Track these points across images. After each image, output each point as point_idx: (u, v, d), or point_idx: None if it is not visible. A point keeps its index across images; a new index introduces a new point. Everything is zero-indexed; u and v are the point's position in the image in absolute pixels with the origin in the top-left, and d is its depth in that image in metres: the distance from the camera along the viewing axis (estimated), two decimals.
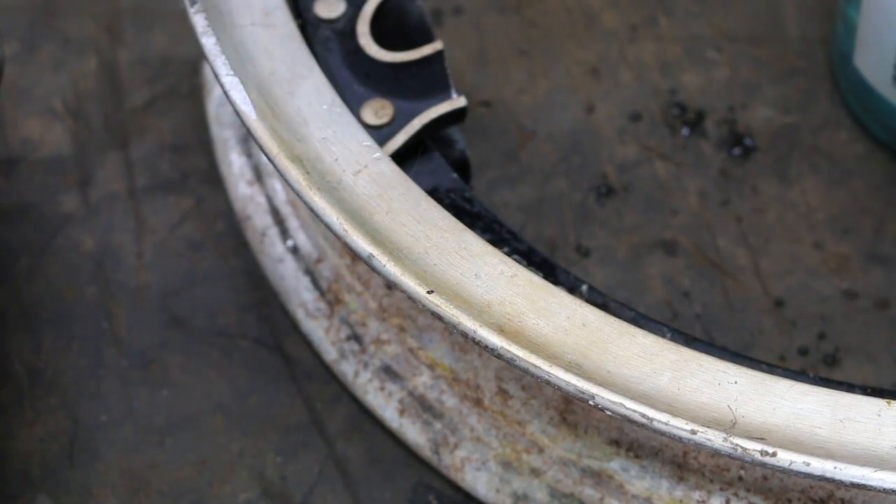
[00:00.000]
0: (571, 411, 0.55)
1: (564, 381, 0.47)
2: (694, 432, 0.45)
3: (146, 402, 0.61)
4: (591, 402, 0.46)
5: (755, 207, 0.65)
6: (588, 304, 0.49)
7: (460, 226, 0.51)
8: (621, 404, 0.46)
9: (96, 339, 0.62)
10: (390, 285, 0.53)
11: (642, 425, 0.46)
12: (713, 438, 0.45)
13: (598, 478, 0.55)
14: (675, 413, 0.46)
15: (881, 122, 0.65)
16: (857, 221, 0.64)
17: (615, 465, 0.55)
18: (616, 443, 0.55)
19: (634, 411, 0.46)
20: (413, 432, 0.58)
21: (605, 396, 0.46)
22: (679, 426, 0.46)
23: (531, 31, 0.70)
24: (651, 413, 0.46)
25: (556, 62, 0.69)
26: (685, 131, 0.67)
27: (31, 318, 0.63)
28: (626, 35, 0.69)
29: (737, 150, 0.66)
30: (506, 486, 0.56)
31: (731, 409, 0.46)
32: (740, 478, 0.53)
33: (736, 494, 0.53)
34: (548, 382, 0.47)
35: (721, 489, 0.53)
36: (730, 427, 0.46)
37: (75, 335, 0.62)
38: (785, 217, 0.64)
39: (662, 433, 0.46)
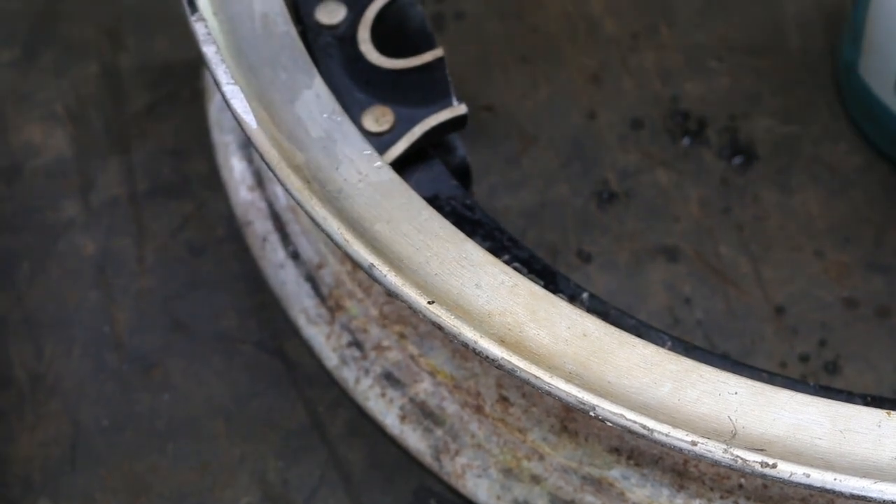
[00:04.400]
0: (572, 419, 0.55)
1: (565, 391, 0.47)
2: (694, 443, 0.45)
3: (147, 406, 0.61)
4: (591, 413, 0.46)
5: (756, 215, 0.65)
6: (588, 315, 0.49)
7: (461, 235, 0.50)
8: (622, 415, 0.46)
9: (98, 343, 0.62)
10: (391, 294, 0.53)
11: (643, 436, 0.46)
12: (713, 450, 0.45)
13: (599, 485, 0.55)
14: (675, 424, 0.46)
15: (884, 131, 0.65)
16: (857, 231, 0.64)
17: (616, 472, 0.55)
18: (617, 451, 0.55)
19: (635, 422, 0.46)
20: (414, 439, 0.58)
21: (605, 407, 0.46)
22: (679, 437, 0.46)
23: (533, 38, 0.70)
24: (651, 424, 0.46)
25: (557, 68, 0.69)
26: (686, 139, 0.67)
27: (33, 323, 0.63)
28: (627, 43, 0.69)
29: (738, 159, 0.66)
30: (507, 493, 0.56)
31: (731, 419, 0.46)
32: (740, 486, 0.53)
33: (736, 503, 0.53)
34: (548, 393, 0.47)
35: (721, 497, 0.53)
36: (730, 438, 0.46)
37: (77, 340, 0.63)
38: (786, 225, 0.64)
39: (663, 444, 0.46)
